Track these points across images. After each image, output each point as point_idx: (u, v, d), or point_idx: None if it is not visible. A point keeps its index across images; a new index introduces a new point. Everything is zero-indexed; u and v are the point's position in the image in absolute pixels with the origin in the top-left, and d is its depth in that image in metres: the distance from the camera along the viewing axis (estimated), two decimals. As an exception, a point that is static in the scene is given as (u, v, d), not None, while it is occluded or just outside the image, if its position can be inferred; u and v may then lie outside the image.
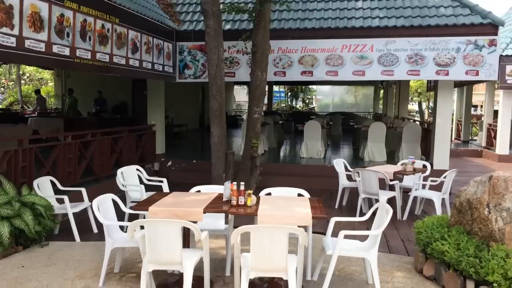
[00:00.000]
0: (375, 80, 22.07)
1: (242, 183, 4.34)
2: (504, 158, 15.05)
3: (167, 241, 3.67)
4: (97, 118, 13.43)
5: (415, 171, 7.35)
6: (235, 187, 4.24)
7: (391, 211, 4.19)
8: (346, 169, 8.04)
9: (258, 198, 4.54)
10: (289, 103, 31.23)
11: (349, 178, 7.91)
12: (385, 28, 9.20)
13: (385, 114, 20.94)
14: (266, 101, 30.59)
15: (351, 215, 7.15)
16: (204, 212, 4.09)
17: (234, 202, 4.22)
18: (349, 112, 28.22)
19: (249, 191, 4.27)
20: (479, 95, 36.38)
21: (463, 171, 12.94)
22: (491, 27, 8.89)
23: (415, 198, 7.42)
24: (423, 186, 7.47)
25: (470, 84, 18.39)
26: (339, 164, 8.03)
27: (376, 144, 11.19)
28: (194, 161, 10.90)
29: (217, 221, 4.99)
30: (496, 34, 8.90)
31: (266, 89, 31.98)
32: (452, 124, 21.95)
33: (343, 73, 9.41)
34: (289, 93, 30.48)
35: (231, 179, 8.47)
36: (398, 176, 7.24)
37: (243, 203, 4.21)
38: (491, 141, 16.63)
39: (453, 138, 21.27)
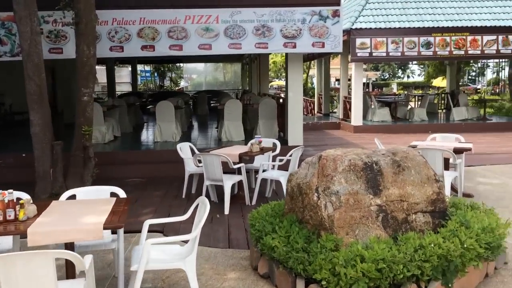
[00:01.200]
0: (241, 56, 21.74)
1: (10, 191, 3.27)
2: (359, 129, 15.70)
3: None
4: None
5: (262, 150, 6.86)
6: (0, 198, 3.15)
7: (208, 205, 3.48)
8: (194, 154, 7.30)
9: (44, 207, 3.51)
10: (156, 82, 29.69)
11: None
12: (230, -3, 8.53)
13: (250, 90, 20.75)
14: (130, 80, 28.73)
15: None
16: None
17: (0, 218, 3.15)
18: (218, 90, 27.74)
19: (22, 201, 3.23)
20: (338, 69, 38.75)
21: (321, 144, 13.14)
22: (334, -3, 8.71)
23: (265, 180, 6.95)
24: (274, 167, 7.04)
25: (321, 56, 18.91)
26: (185, 148, 7.24)
27: (233, 122, 10.65)
28: (24, 154, 9.27)
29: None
30: (339, 4, 8.76)
31: (129, 68, 30.04)
32: (315, 98, 22.69)
33: (188, 47, 8.56)
34: (156, 72, 28.93)
35: (60, 174, 7.23)
36: (245, 158, 6.68)
37: (12, 217, 3.16)
38: (347, 113, 17.29)
39: (315, 112, 21.97)
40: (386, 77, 70.39)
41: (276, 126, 10.87)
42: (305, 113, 23.56)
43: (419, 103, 20.24)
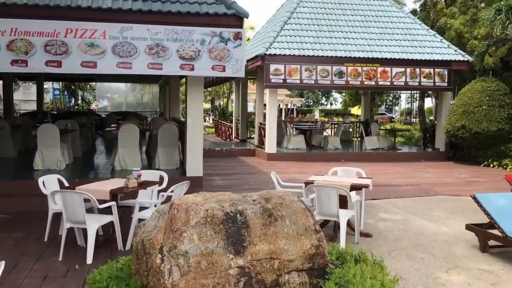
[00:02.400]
0: (160, 76, 20.68)
1: None
2: (272, 156, 15.26)
3: None
4: None
5: (143, 185, 5.96)
6: None
7: None
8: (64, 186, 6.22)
9: None
10: (66, 101, 27.67)
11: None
12: (119, 11, 7.64)
13: (162, 113, 19.74)
14: (34, 98, 26.44)
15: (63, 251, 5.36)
16: None
17: None
18: (133, 111, 26.33)
19: None
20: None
21: (230, 173, 12.45)
22: (236, 18, 8.13)
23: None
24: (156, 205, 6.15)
25: (227, 81, 18.39)
26: (50, 182, 6.15)
27: (128, 149, 9.65)
28: None
29: None
30: (241, 26, 8.20)
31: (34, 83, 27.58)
32: (232, 123, 22.10)
33: (68, 64, 7.52)
34: (66, 91, 26.97)
35: None
36: (120, 195, 5.74)
37: None
38: (262, 140, 16.84)
39: (233, 137, 21.37)
40: (311, 103, 72.42)
41: (178, 154, 10.02)
42: (224, 138, 22.97)
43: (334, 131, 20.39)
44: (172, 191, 5.71)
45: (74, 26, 7.49)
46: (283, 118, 40.47)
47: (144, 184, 5.99)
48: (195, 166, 8.80)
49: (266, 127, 15.57)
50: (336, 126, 19.16)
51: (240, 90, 20.04)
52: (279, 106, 46.03)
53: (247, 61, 16.22)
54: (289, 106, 51.55)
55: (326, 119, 36.81)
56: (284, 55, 14.56)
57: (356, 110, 34.57)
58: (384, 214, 7.99)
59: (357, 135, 21.93)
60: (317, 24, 16.08)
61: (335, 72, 14.88)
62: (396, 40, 16.02)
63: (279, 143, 17.20)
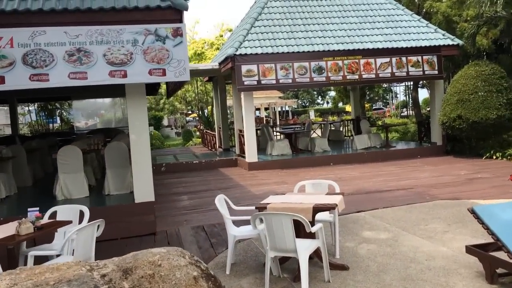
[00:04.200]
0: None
1: None
2: (254, 166, 13.91)
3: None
4: None
5: (43, 230, 4.59)
6: None
7: None
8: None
9: None
10: (42, 122, 26.34)
11: None
12: (27, 12, 6.32)
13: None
14: (7, 121, 25.20)
15: None
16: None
17: None
18: (114, 128, 25.00)
19: None
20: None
21: (202, 190, 11.07)
22: (173, 12, 6.80)
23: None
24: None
25: (177, 89, 17.05)
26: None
27: (71, 175, 8.29)
28: None
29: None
30: (181, 21, 6.87)
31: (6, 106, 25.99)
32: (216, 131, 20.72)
33: (-31, 81, 6.19)
34: (42, 112, 25.67)
35: None
36: (9, 247, 4.38)
37: None
38: (243, 148, 15.47)
39: (217, 147, 20.03)
40: (307, 104, 70.90)
41: (130, 177, 8.65)
42: (209, 148, 21.63)
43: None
44: (75, 233, 4.32)
45: (-28, 35, 6.16)
46: (277, 121, 39.33)
47: (46, 228, 4.63)
48: (144, 189, 7.44)
49: (244, 134, 14.23)
50: (323, 126, 17.77)
51: (218, 96, 18.70)
52: (274, 109, 44.83)
53: (219, 64, 14.93)
54: (283, 109, 50.36)
55: (320, 119, 35.48)
56: (256, 54, 13.25)
57: (349, 107, 33.22)
58: (369, 232, 6.60)
59: (349, 134, 20.59)
60: (291, 18, 14.76)
61: (313, 69, 13.54)
62: (378, 28, 14.68)
63: (264, 150, 15.89)
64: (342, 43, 13.88)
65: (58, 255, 4.73)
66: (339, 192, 5.55)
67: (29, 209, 4.55)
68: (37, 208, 4.60)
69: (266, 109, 46.59)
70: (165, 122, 47.14)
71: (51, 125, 28.61)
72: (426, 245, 5.85)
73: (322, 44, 13.79)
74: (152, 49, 6.74)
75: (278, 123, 36.36)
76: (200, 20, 38.33)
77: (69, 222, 4.93)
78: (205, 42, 25.05)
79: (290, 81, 13.45)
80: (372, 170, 12.61)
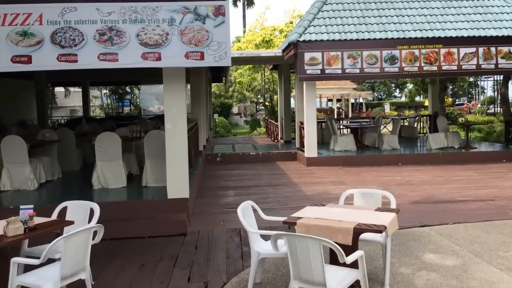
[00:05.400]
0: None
1: None
2: (312, 161, 12.91)
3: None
4: None
5: (35, 231, 4.02)
6: None
7: None
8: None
9: None
10: (114, 106, 27.02)
11: None
12: (58, -13, 5.83)
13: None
14: (79, 103, 26.07)
15: None
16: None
17: None
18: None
19: None
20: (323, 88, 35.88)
21: (252, 186, 10.28)
22: (215, -13, 6.01)
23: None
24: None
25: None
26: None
27: (108, 163, 7.87)
28: None
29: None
30: (223, -3, 6.06)
31: (74, 89, 26.96)
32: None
33: (-4, 60, 5.84)
34: (113, 95, 26.32)
35: None
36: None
37: None
38: (302, 142, 14.49)
39: (279, 138, 19.22)
40: (383, 96, 67.55)
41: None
42: (272, 139, 20.89)
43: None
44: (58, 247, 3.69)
45: (1, 10, 5.78)
46: (349, 114, 37.60)
47: (41, 229, 4.06)
48: (177, 184, 6.81)
49: (305, 127, 13.25)
50: (394, 121, 16.25)
51: (282, 85, 17.80)
52: (347, 101, 43.02)
53: (283, 51, 14.03)
54: (357, 100, 48.24)
55: (395, 113, 33.30)
56: (322, 40, 12.15)
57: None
58: (432, 255, 5.44)
59: (424, 131, 18.83)
60: (363, 2, 13.42)
61: (385, 58, 12.20)
62: (464, 14, 12.93)
63: (328, 144, 14.82)
64: (421, 30, 12.37)
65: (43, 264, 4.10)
66: (393, 209, 4.48)
67: (21, 207, 3.99)
68: (31, 206, 4.02)
69: (338, 100, 44.87)
70: (235, 110, 47.09)
71: (123, 108, 29.39)
72: (504, 280, 4.62)
73: (397, 31, 12.37)
74: (190, 30, 6.01)
75: (350, 115, 34.78)
76: (270, 5, 37.34)
77: (71, 223, 4.33)
78: (274, 29, 24.18)
79: (357, 71, 12.23)
80: (446, 174, 11.12)
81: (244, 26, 40.54)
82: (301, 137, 14.35)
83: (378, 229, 3.71)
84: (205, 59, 6.06)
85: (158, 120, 14.61)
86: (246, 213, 4.50)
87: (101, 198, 7.64)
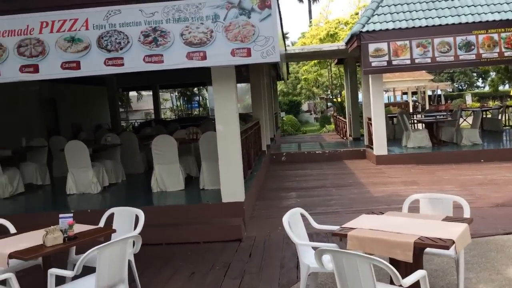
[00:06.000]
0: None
1: None
2: (382, 160, 12.11)
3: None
4: None
5: (75, 240, 3.88)
6: None
7: None
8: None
9: None
10: (183, 108, 27.58)
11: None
12: (101, -10, 5.76)
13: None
14: (152, 106, 26.83)
15: None
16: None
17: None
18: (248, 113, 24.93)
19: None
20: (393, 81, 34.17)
21: (316, 187, 9.76)
22: (259, -23, 5.62)
23: None
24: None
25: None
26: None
27: (165, 166, 7.78)
28: None
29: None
30: (269, -11, 5.65)
31: (146, 92, 27.65)
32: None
33: (47, 67, 5.88)
34: (181, 97, 26.88)
35: None
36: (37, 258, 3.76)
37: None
38: (371, 139, 13.68)
39: (348, 135, 18.46)
40: (464, 87, 63.19)
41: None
42: (341, 136, 20.17)
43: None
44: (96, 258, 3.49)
45: (49, 18, 5.82)
46: (427, 107, 35.48)
47: (82, 238, 3.91)
48: (231, 188, 6.52)
49: (373, 123, 12.47)
50: (474, 114, 14.86)
51: (348, 78, 17.03)
52: (423, 93, 40.71)
53: (346, 43, 13.34)
54: (435, 92, 45.53)
55: (478, 105, 30.86)
56: (387, 30, 11.32)
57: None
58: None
59: (510, 124, 17.15)
60: (434, -15, 12.35)
61: (460, 45, 11.11)
62: (554, -11, 11.45)
63: (399, 141, 13.89)
64: (499, 12, 11.12)
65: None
66: (466, 218, 3.81)
67: (60, 215, 3.87)
68: (70, 215, 3.88)
69: (414, 93, 42.62)
70: (305, 107, 46.37)
71: (192, 110, 29.95)
72: None
73: (472, 14, 11.22)
74: (235, 25, 5.68)
75: (427, 108, 32.80)
76: (335, -3, 36.21)
77: (112, 231, 4.16)
78: (339, 22, 23.30)
79: (428, 60, 11.25)
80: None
81: (311, 21, 39.79)
82: (370, 134, 13.55)
83: (444, 245, 3.11)
84: (252, 55, 5.69)
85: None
86: (293, 222, 4.07)
87: (159, 201, 7.59)
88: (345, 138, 19.10)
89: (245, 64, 6.28)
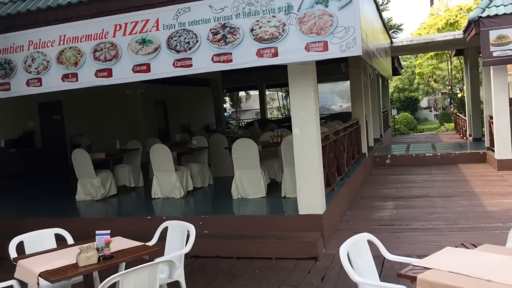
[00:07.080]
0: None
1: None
2: (506, 164, 10.40)
3: None
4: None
5: (112, 260, 3.59)
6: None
7: None
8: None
9: None
10: (289, 107, 27.19)
11: None
12: (171, -13, 5.50)
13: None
14: (258, 106, 26.85)
15: None
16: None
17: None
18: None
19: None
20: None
21: (420, 196, 8.58)
22: (337, -40, 4.87)
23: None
24: None
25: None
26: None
27: (245, 171, 7.36)
28: None
29: None
30: (349, -28, 4.88)
31: (255, 92, 27.70)
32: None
33: (120, 71, 5.79)
34: (288, 96, 26.48)
35: None
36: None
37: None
38: (493, 140, 11.86)
39: (468, 135, 16.49)
40: None
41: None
42: (461, 136, 18.17)
43: None
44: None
45: (122, 20, 5.72)
46: None
47: (118, 257, 3.62)
48: (308, 198, 5.86)
49: (494, 121, 10.78)
50: None
51: (468, 71, 15.10)
52: None
53: (464, 32, 11.75)
54: None
55: None
56: (512, 13, 9.62)
57: None
58: None
59: None
60: None
61: None
62: None
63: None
64: None
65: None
66: None
67: (97, 232, 3.59)
68: (108, 232, 3.58)
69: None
70: (424, 103, 43.15)
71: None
72: None
73: None
74: (310, 16, 5.01)
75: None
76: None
77: (154, 249, 3.78)
78: (460, 8, 20.91)
79: None
80: None
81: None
82: (491, 134, 11.76)
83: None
84: (329, 49, 4.98)
85: (329, 120, 13.73)
86: (356, 252, 3.33)
87: (239, 210, 7.21)
88: (464, 138, 17.12)
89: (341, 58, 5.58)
